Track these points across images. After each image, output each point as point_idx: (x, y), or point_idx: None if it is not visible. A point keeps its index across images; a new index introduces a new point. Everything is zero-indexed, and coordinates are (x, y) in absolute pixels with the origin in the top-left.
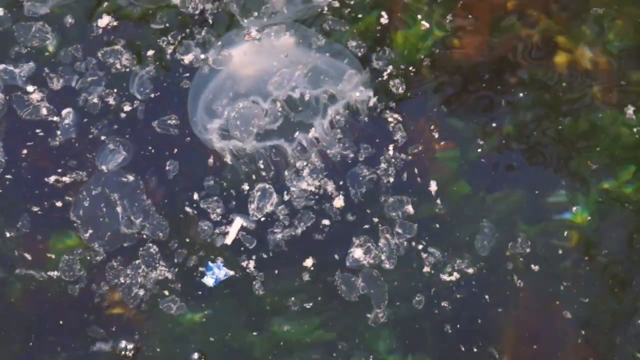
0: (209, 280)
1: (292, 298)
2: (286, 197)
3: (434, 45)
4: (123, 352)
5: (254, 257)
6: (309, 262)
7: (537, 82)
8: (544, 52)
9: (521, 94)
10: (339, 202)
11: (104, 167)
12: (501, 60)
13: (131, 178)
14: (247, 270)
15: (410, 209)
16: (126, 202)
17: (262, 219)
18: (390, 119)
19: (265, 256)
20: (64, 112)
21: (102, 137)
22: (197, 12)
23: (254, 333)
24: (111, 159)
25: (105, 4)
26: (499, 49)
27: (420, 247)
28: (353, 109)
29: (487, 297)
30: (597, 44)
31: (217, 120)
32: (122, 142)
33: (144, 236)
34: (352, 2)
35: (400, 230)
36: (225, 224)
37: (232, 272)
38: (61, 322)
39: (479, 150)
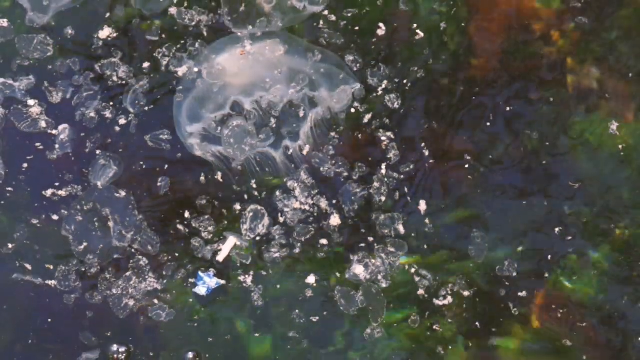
0: (201, 290)
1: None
2: (281, 219)
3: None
4: (115, 356)
5: (251, 273)
6: (311, 279)
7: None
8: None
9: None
10: (335, 220)
11: (96, 183)
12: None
13: (123, 193)
14: (245, 285)
15: (401, 228)
16: (117, 216)
17: (257, 238)
18: (383, 138)
19: (264, 273)
20: (60, 128)
21: (98, 151)
22: (193, 24)
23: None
24: (102, 174)
25: (108, 14)
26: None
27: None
28: (333, 120)
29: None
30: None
31: (197, 124)
32: (113, 157)
33: (135, 250)
34: (349, 15)
35: (392, 249)
36: (217, 242)
37: (223, 281)
38: (54, 329)
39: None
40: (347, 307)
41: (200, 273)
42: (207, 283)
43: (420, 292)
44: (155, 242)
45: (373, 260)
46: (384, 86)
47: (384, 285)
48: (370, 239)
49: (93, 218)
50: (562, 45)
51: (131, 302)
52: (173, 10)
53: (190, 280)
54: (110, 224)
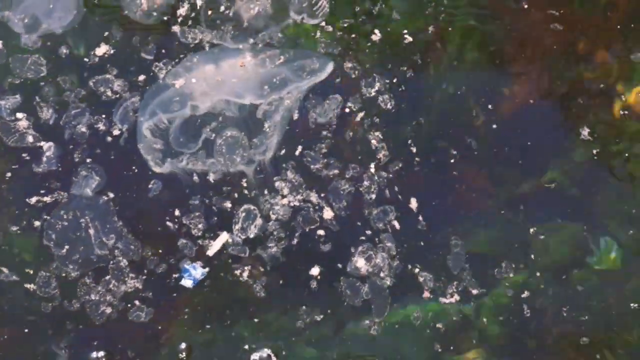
0: (187, 282)
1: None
2: (273, 217)
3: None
4: None
5: (248, 267)
6: (315, 271)
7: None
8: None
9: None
10: (328, 213)
11: (78, 193)
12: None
13: (102, 200)
14: (241, 279)
15: (395, 223)
16: (98, 224)
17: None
18: (373, 139)
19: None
20: (45, 145)
21: (88, 160)
22: (195, 42)
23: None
24: (85, 185)
25: (106, 33)
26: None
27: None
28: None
29: None
30: None
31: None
32: (95, 168)
33: (117, 257)
34: (345, 25)
35: (389, 244)
36: (208, 238)
37: (207, 270)
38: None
39: None
40: (352, 298)
41: (185, 265)
42: (192, 275)
43: (426, 294)
44: (137, 248)
45: (374, 255)
46: (377, 87)
47: (388, 283)
48: (368, 232)
49: (73, 226)
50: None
51: (108, 310)
52: (176, 29)
53: (174, 275)
54: (91, 231)
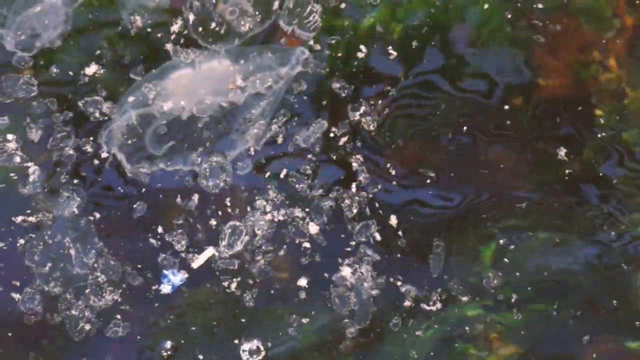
0: (166, 288)
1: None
2: (258, 232)
3: None
4: None
5: (237, 279)
6: (303, 282)
7: None
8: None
9: None
10: (313, 227)
11: (59, 214)
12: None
13: (82, 222)
14: (228, 291)
15: (377, 235)
16: (79, 244)
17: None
18: (353, 162)
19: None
20: (30, 169)
21: (75, 181)
22: (187, 61)
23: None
24: (66, 205)
25: (98, 52)
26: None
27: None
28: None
29: None
30: None
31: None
32: (76, 190)
33: (97, 278)
34: (333, 42)
35: (369, 252)
36: (191, 252)
37: (186, 276)
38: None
39: None
40: (339, 307)
41: (164, 271)
42: (171, 280)
43: (407, 303)
44: (117, 268)
45: (359, 267)
46: (362, 111)
47: (373, 293)
48: (352, 242)
49: (54, 247)
50: None
51: (87, 326)
52: (169, 47)
53: (153, 287)
54: (72, 252)
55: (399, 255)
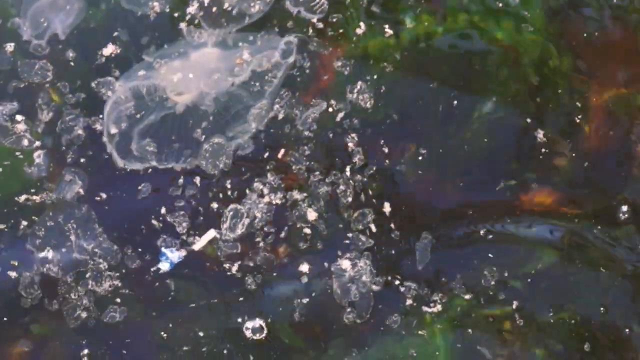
0: (164, 265)
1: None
2: (258, 215)
3: None
4: None
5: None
6: (304, 268)
7: None
8: None
9: None
10: (311, 214)
11: (62, 197)
12: None
13: (83, 208)
14: (229, 273)
15: (372, 226)
16: (79, 230)
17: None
18: (350, 142)
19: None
20: (35, 154)
21: (82, 160)
22: (201, 41)
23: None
24: (68, 189)
25: (115, 33)
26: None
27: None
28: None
29: None
30: None
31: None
32: (79, 173)
33: (96, 262)
34: (334, 20)
35: (363, 239)
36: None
37: (184, 253)
38: None
39: None
40: (340, 298)
41: (162, 249)
42: (170, 258)
43: (409, 302)
44: (116, 252)
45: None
46: (358, 87)
47: (374, 288)
48: (350, 234)
49: (55, 233)
50: None
51: (84, 314)
52: (182, 26)
53: (151, 269)
54: (72, 237)
55: (393, 252)
